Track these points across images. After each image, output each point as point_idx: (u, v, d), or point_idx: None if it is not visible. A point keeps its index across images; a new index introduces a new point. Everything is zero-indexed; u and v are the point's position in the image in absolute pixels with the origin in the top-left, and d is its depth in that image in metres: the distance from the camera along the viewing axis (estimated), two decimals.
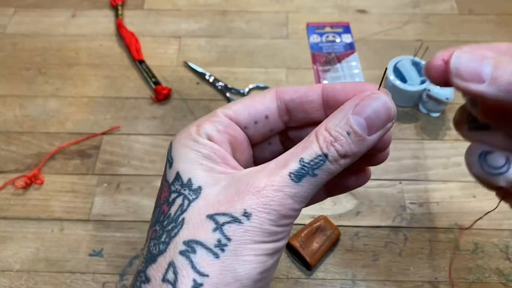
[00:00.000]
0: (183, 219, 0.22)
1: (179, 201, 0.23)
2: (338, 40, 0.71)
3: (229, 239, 0.21)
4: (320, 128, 0.23)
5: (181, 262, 0.21)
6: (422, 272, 0.49)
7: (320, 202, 0.54)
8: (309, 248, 0.49)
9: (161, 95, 0.63)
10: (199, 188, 0.23)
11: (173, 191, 0.24)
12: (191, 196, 0.23)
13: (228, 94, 0.64)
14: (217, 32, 0.72)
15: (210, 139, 0.25)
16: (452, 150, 0.58)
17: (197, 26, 0.73)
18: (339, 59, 0.68)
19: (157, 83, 0.65)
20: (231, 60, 0.69)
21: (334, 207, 0.54)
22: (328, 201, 0.54)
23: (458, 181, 0.56)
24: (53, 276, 0.49)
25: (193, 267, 0.21)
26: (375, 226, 0.53)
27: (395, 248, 0.51)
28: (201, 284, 0.21)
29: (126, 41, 0.69)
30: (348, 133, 0.23)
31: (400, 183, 0.56)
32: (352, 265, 0.50)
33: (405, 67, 0.62)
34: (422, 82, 0.60)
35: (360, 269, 0.50)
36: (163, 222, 0.23)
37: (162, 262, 0.22)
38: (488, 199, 0.54)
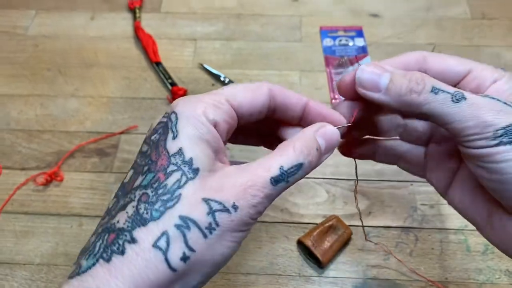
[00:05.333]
0: (180, 194, 0.24)
1: (177, 175, 0.25)
2: (351, 43, 0.72)
3: (217, 225, 0.24)
4: (295, 141, 0.27)
5: (175, 234, 0.24)
6: (432, 272, 0.50)
7: (332, 202, 0.56)
8: (321, 246, 0.50)
9: (177, 96, 0.64)
10: (198, 169, 0.25)
11: (172, 163, 0.25)
12: (189, 174, 0.25)
13: None
14: (232, 35, 0.74)
15: (214, 125, 0.27)
16: None
17: (213, 29, 0.74)
18: (351, 62, 0.69)
19: (173, 84, 0.66)
20: (245, 62, 0.70)
21: (345, 207, 0.55)
22: (340, 201, 0.56)
23: None
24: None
25: (185, 241, 0.24)
26: (387, 226, 0.54)
27: (406, 248, 0.52)
28: (188, 257, 0.24)
29: (144, 43, 0.71)
30: (316, 149, 0.28)
31: (412, 184, 0.57)
32: (363, 264, 0.51)
33: None
34: None
35: (371, 268, 0.51)
36: (157, 190, 0.25)
37: (154, 228, 0.24)
38: None
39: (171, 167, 0.25)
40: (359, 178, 0.57)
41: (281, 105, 0.30)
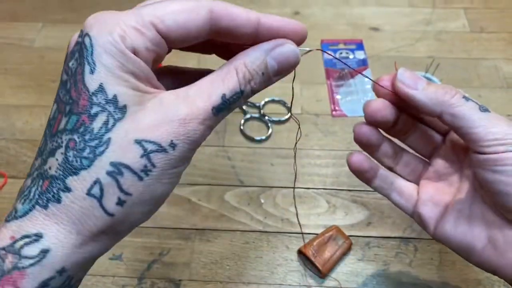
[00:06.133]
0: (109, 138, 0.23)
1: (103, 117, 0.23)
2: (351, 56, 0.73)
3: (154, 166, 0.23)
4: (239, 64, 0.25)
5: (108, 181, 0.23)
6: (431, 283, 0.50)
7: (332, 213, 0.56)
8: (321, 256, 0.51)
9: None
10: (125, 107, 0.23)
11: (95, 103, 0.23)
12: (116, 114, 0.23)
13: (244, 107, 0.66)
14: None
15: (136, 53, 0.23)
16: None
17: None
18: (352, 74, 0.70)
19: None
20: None
21: (346, 218, 0.56)
22: (340, 212, 0.56)
23: None
24: None
25: (119, 187, 0.23)
26: (386, 236, 0.54)
27: (405, 258, 0.52)
28: (124, 201, 0.23)
29: None
30: (263, 73, 0.25)
31: None
32: (363, 274, 0.51)
33: None
34: None
35: (371, 278, 0.51)
36: (84, 135, 0.23)
37: (86, 176, 0.23)
38: None
39: (95, 108, 0.23)
40: (359, 189, 0.58)
41: (226, 28, 0.25)
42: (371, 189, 0.57)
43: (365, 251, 0.53)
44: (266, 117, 0.65)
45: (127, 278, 0.52)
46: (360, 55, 0.73)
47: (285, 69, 0.26)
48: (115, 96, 0.23)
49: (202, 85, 0.25)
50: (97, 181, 0.23)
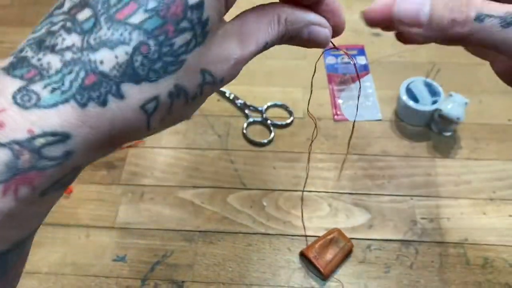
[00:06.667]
0: (184, 60, 0.21)
1: (187, 36, 0.21)
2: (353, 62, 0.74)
3: (201, 94, 0.23)
4: (283, 18, 0.25)
5: (165, 101, 0.22)
6: (432, 285, 0.51)
7: (334, 216, 0.57)
8: (323, 259, 0.51)
9: None
10: (208, 32, 0.22)
11: (188, 18, 0.21)
12: (200, 38, 0.21)
13: (247, 111, 0.67)
14: None
15: None
16: (463, 168, 0.60)
17: None
18: (353, 79, 0.71)
19: None
20: (250, 79, 0.72)
21: (347, 220, 0.56)
22: (342, 215, 0.57)
23: (468, 198, 0.57)
24: (79, 279, 0.52)
25: (170, 108, 0.22)
26: (387, 239, 0.55)
27: (406, 261, 0.53)
28: (164, 119, 0.23)
29: None
30: (291, 37, 0.26)
31: (412, 198, 0.58)
32: (364, 276, 0.52)
33: (418, 88, 0.64)
34: (434, 102, 0.62)
35: (372, 281, 0.51)
36: (161, 46, 0.21)
37: (146, 89, 0.21)
38: (498, 216, 0.56)
39: (184, 23, 0.21)
40: (360, 192, 0.59)
41: None
42: (372, 193, 0.59)
43: (366, 253, 0.54)
44: (269, 121, 0.66)
45: (131, 280, 0.52)
46: (361, 60, 0.74)
47: (306, 44, 0.26)
48: (207, 19, 0.21)
49: (253, 27, 0.24)
50: (156, 98, 0.21)
